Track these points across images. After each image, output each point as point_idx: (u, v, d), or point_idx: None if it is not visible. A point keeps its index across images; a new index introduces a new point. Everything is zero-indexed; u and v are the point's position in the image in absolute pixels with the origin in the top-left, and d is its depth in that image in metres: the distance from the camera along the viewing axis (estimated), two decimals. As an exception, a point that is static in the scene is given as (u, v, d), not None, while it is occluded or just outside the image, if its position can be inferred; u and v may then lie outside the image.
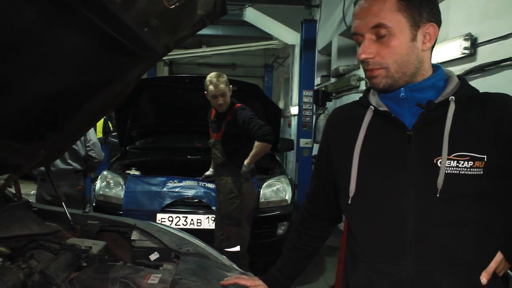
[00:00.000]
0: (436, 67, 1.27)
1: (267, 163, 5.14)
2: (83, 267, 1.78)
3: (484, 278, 1.16)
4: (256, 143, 3.69)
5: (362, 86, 6.21)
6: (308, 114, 7.23)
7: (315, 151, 7.87)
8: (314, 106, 7.41)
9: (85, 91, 1.86)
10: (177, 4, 1.36)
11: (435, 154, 1.16)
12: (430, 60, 1.25)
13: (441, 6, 4.40)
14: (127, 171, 4.49)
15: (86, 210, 2.53)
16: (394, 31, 1.17)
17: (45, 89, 1.55)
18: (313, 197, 1.54)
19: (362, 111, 1.30)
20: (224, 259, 2.00)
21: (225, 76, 3.84)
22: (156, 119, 5.12)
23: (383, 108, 1.26)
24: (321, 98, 7.45)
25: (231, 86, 3.83)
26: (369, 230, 1.25)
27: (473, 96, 1.23)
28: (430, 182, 1.15)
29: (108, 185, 4.16)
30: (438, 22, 1.22)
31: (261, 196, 4.31)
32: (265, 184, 4.43)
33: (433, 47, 1.25)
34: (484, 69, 3.20)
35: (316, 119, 7.47)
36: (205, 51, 12.84)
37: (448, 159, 1.15)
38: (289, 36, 10.21)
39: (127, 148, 5.12)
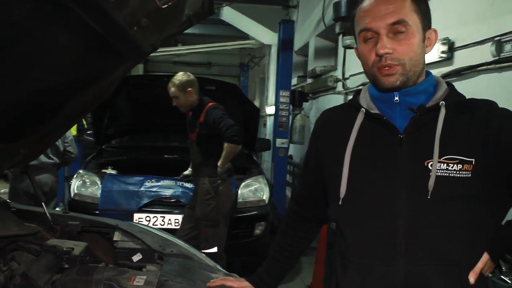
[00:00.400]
0: (428, 73, 1.30)
1: (244, 163, 5.14)
2: (65, 269, 1.75)
3: (472, 278, 1.18)
4: (225, 144, 3.66)
5: (339, 87, 6.27)
6: (284, 114, 7.25)
7: (291, 151, 7.91)
8: (291, 106, 7.44)
9: (69, 90, 1.82)
10: (170, 3, 1.34)
11: (426, 157, 1.19)
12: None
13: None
14: (103, 170, 4.42)
15: (58, 209, 2.50)
16: (413, 29, 1.20)
17: (29, 88, 1.51)
18: (301, 199, 1.55)
19: (353, 113, 1.32)
20: (207, 260, 2.00)
21: (184, 78, 3.77)
22: (133, 117, 5.06)
23: (375, 110, 1.28)
24: (297, 98, 7.48)
25: (190, 89, 3.75)
26: (360, 231, 1.26)
27: (461, 101, 1.26)
28: (421, 184, 1.18)
29: (84, 184, 4.09)
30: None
31: (239, 196, 4.31)
32: (243, 184, 4.43)
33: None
34: (461, 73, 3.27)
35: (293, 119, 7.51)
36: (181, 50, 12.75)
37: (439, 162, 1.18)
38: (266, 36, 10.22)
39: (103, 146, 5.05)
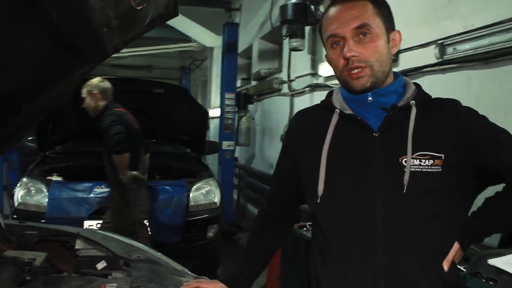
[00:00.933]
0: (396, 74, 1.36)
1: (193, 166, 5.11)
2: (27, 281, 1.67)
3: (445, 266, 1.26)
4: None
5: (285, 89, 6.37)
6: (230, 116, 7.28)
7: (236, 153, 7.94)
8: (236, 109, 7.48)
9: (27, 92, 1.74)
10: (145, 5, 1.32)
11: (400, 154, 1.25)
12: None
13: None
14: (49, 177, 4.24)
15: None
16: (377, 32, 1.26)
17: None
18: (274, 199, 1.56)
19: (327, 114, 1.36)
20: (175, 264, 1.97)
21: (95, 81, 3.77)
22: (77, 122, 4.87)
23: (348, 111, 1.33)
24: (243, 100, 7.54)
25: (96, 91, 3.72)
26: (340, 227, 1.29)
27: (428, 101, 1.33)
28: (397, 179, 1.24)
29: (28, 192, 3.91)
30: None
31: (190, 199, 4.28)
32: (194, 187, 4.40)
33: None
34: (407, 74, 3.42)
35: (238, 121, 7.55)
36: (121, 52, 12.44)
37: (412, 158, 1.24)
38: (208, 38, 10.22)
39: (47, 153, 4.84)
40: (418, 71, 3.30)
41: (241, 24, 7.96)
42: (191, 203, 4.26)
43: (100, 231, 2.17)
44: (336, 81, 4.40)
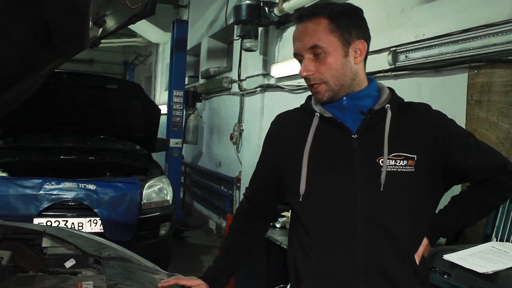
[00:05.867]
0: (370, 79, 1.46)
1: (145, 163, 5.05)
2: (-5, 280, 1.62)
3: (417, 259, 1.38)
4: None
5: (235, 88, 6.41)
6: (178, 114, 7.23)
7: (183, 151, 7.89)
8: (184, 106, 7.44)
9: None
10: (139, 4, 1.33)
11: (376, 154, 1.35)
12: (364, 71, 1.44)
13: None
14: (-7, 173, 4.05)
15: None
16: (329, 50, 1.34)
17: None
18: (255, 198, 1.61)
19: (308, 117, 1.44)
20: (146, 261, 1.97)
21: None
22: (22, 116, 4.67)
23: (328, 114, 1.41)
24: (191, 98, 7.51)
25: None
26: (322, 223, 1.37)
27: (402, 104, 1.43)
28: (374, 178, 1.33)
29: (-29, 189, 3.72)
30: (367, 38, 1.42)
31: (143, 196, 4.23)
32: (147, 184, 4.36)
33: (365, 60, 1.44)
34: (360, 79, 3.58)
35: (186, 119, 7.51)
36: (61, 44, 11.97)
37: (388, 158, 1.34)
38: (155, 34, 10.08)
39: (-11, 147, 4.62)
40: (371, 76, 3.44)
41: (189, 22, 7.92)
42: (144, 201, 4.21)
43: (67, 229, 2.13)
44: (288, 83, 4.55)
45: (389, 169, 1.33)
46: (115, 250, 1.96)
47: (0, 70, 1.54)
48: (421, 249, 1.39)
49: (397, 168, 1.34)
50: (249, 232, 1.62)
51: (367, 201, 1.34)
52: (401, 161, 1.34)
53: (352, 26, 1.37)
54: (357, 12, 1.40)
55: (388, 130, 1.35)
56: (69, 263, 1.87)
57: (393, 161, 1.34)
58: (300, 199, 1.39)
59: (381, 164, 1.33)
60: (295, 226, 1.48)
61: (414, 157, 1.34)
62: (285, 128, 1.50)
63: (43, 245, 1.92)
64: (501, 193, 1.44)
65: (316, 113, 1.42)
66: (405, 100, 1.46)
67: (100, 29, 1.49)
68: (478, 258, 1.87)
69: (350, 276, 1.34)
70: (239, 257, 1.63)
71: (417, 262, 1.38)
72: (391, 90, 1.47)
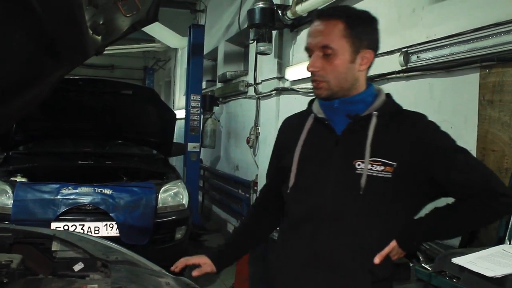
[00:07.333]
0: (369, 85, 1.51)
1: (161, 167, 5.10)
2: (4, 283, 1.66)
3: (377, 259, 1.42)
4: None
5: (251, 91, 6.43)
6: (196, 118, 7.29)
7: (201, 155, 7.95)
8: (202, 110, 7.50)
9: (4, 93, 1.73)
10: (134, 13, 1.35)
11: (354, 157, 1.42)
12: (365, 78, 1.50)
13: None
14: (13, 178, 4.14)
15: None
16: (338, 53, 1.41)
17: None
18: (270, 183, 1.73)
19: (306, 118, 1.55)
20: (153, 265, 2.00)
21: None
22: (42, 122, 4.79)
23: (321, 115, 1.51)
24: (208, 102, 7.56)
25: None
26: (298, 213, 1.51)
27: (395, 111, 1.48)
28: (348, 178, 1.42)
29: (-8, 193, 3.81)
30: (376, 49, 1.50)
31: (159, 201, 4.28)
32: (163, 189, 4.41)
33: (369, 68, 1.51)
34: (373, 80, 3.55)
35: (204, 123, 7.56)
36: (82, 51, 12.19)
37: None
38: (173, 39, 10.17)
39: (10, 153, 4.73)
40: (383, 77, 3.42)
41: (206, 26, 7.98)
42: (160, 205, 4.25)
43: (76, 233, 2.17)
44: (302, 85, 4.53)
45: (367, 173, 1.40)
46: (122, 254, 1.99)
47: (4, 78, 1.57)
48: (385, 250, 1.42)
49: (372, 172, 1.40)
50: (270, 208, 1.70)
51: (336, 198, 1.43)
52: (378, 167, 1.40)
53: (365, 34, 1.44)
54: (372, 22, 1.48)
55: (371, 136, 1.41)
56: (77, 267, 1.92)
57: (370, 165, 1.40)
58: (288, 191, 1.52)
59: (357, 167, 1.41)
60: (286, 211, 1.60)
61: (394, 164, 1.39)
62: (288, 128, 1.65)
63: (52, 249, 1.96)
64: (482, 213, 1.43)
65: (312, 114, 1.53)
66: (403, 107, 1.51)
67: (100, 37, 1.51)
68: (488, 261, 1.84)
69: (308, 264, 1.45)
70: (248, 240, 1.74)
71: (377, 261, 1.41)
72: (388, 96, 1.51)
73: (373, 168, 1.39)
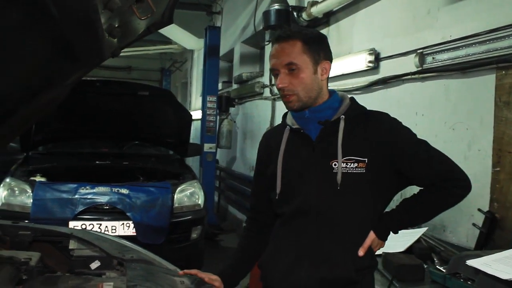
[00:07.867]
0: (332, 92, 1.68)
1: (178, 168, 5.15)
2: (23, 280, 1.71)
3: (361, 252, 1.57)
4: None
5: (266, 93, 6.45)
6: (212, 119, 7.35)
7: (217, 156, 7.99)
8: (218, 111, 7.54)
9: (23, 95, 1.78)
10: (149, 15, 1.38)
11: (330, 158, 1.58)
12: (327, 86, 1.67)
13: (345, 22, 4.73)
14: (32, 178, 4.23)
15: None
16: (302, 67, 1.58)
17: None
18: (256, 207, 1.85)
19: (283, 130, 1.70)
20: (168, 264, 2.03)
21: None
22: (61, 123, 4.87)
23: (296, 126, 1.66)
24: (224, 103, 7.60)
25: None
26: (288, 212, 1.63)
27: (360, 113, 1.64)
28: (328, 178, 1.56)
29: (12, 193, 3.90)
30: (331, 60, 1.66)
31: (175, 201, 4.32)
32: (179, 189, 4.45)
33: (328, 77, 1.66)
34: (387, 82, 3.55)
35: (220, 124, 7.60)
36: (100, 53, 12.33)
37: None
38: (189, 41, 10.24)
39: (30, 153, 4.82)
40: (398, 79, 3.41)
41: (222, 28, 8.02)
42: (176, 205, 4.30)
43: (93, 232, 2.21)
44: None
45: (342, 171, 1.55)
46: (138, 253, 2.03)
47: (23, 80, 1.62)
48: (366, 243, 1.58)
49: (347, 170, 1.55)
50: (256, 237, 1.81)
51: (321, 197, 1.57)
52: (352, 164, 1.56)
53: (321, 49, 1.62)
54: (323, 38, 1.66)
55: (342, 137, 1.57)
56: (94, 265, 1.96)
57: (345, 163, 1.56)
58: (277, 197, 1.66)
59: (334, 166, 1.56)
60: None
61: (365, 160, 1.56)
62: (267, 143, 1.79)
63: (70, 247, 2.01)
64: (445, 199, 1.61)
65: (287, 126, 1.68)
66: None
67: (116, 39, 1.54)
68: (503, 264, 1.83)
69: (296, 259, 1.58)
70: (248, 259, 1.82)
71: (361, 253, 1.56)
72: (352, 100, 1.67)
73: (348, 166, 1.55)
